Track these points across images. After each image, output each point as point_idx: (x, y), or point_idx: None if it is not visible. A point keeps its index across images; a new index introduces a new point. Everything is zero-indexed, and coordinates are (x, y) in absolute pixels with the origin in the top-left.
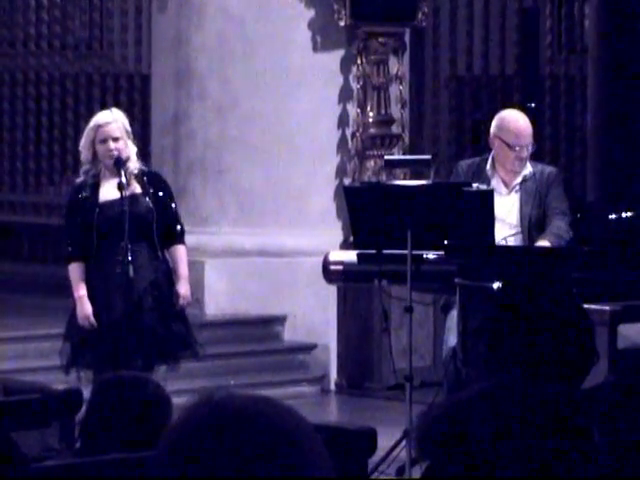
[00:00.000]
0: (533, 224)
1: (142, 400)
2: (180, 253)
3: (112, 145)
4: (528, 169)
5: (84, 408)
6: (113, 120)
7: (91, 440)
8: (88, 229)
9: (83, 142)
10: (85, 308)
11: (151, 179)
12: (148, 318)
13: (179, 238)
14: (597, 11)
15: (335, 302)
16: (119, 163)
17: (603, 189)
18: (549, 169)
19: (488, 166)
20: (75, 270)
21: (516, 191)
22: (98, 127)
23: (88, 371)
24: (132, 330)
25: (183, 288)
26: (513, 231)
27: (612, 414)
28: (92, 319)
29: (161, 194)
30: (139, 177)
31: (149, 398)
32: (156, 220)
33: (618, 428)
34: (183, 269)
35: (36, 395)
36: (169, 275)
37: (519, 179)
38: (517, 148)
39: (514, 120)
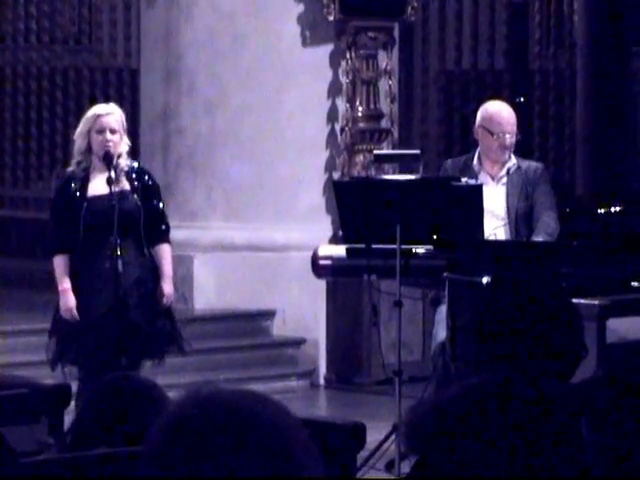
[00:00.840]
0: (520, 216)
1: (140, 402)
2: (165, 252)
3: (109, 136)
4: (512, 161)
5: (74, 408)
6: (113, 112)
7: (84, 433)
8: (75, 222)
9: (79, 131)
10: (69, 301)
11: (140, 176)
12: (133, 315)
13: (164, 236)
14: (586, 6)
15: (324, 297)
16: (108, 158)
17: (592, 184)
18: (535, 165)
19: (475, 161)
20: (60, 262)
21: (502, 183)
22: (97, 117)
23: (73, 367)
24: (117, 326)
25: (167, 287)
26: (500, 223)
27: (601, 409)
28: (75, 312)
29: (149, 191)
30: (128, 173)
31: (146, 399)
32: (143, 217)
33: (607, 423)
34: (167, 268)
35: (24, 390)
36: (154, 272)
37: (503, 171)
38: (500, 135)
39: (497, 109)
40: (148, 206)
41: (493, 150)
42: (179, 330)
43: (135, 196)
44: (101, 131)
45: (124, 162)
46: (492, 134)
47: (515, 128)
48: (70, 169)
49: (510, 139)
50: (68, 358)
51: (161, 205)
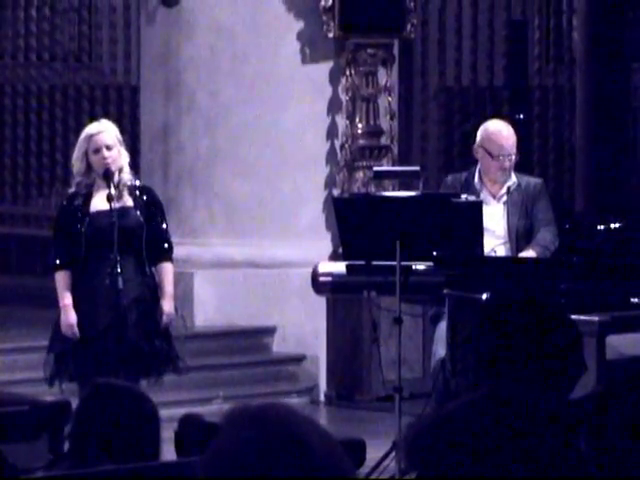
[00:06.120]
0: (521, 235)
1: (128, 409)
2: (167, 270)
3: (106, 153)
4: (512, 180)
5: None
6: (105, 129)
7: (79, 444)
8: (76, 238)
9: (76, 154)
10: (69, 317)
11: (144, 193)
12: (132, 333)
13: (167, 255)
14: (585, 22)
15: (324, 313)
16: (108, 175)
17: (591, 200)
18: (535, 181)
19: (476, 179)
20: (61, 278)
21: (503, 202)
22: (90, 137)
23: (71, 384)
24: (116, 344)
25: (167, 306)
26: (501, 241)
27: (600, 425)
28: (75, 329)
29: (152, 209)
30: (132, 190)
31: (135, 408)
32: (145, 234)
33: (605, 439)
34: (168, 287)
35: (25, 407)
36: (155, 291)
37: (504, 189)
38: (500, 158)
39: (497, 130)
40: (151, 224)
41: (492, 171)
42: (175, 349)
43: (138, 213)
44: (97, 150)
45: (127, 177)
46: (491, 156)
47: (515, 149)
48: (72, 189)
49: (509, 161)
50: (66, 375)
51: (164, 224)
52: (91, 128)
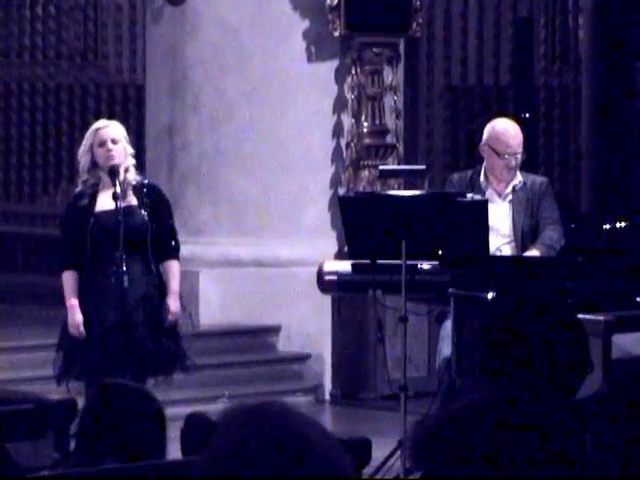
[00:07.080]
0: (526, 233)
1: (134, 408)
2: (173, 269)
3: (111, 146)
4: (518, 179)
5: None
6: (111, 124)
7: (86, 443)
8: (82, 237)
9: (82, 149)
10: (76, 317)
11: (149, 192)
12: (138, 331)
13: (174, 253)
14: (591, 22)
15: (329, 312)
16: (114, 172)
17: (597, 199)
18: (540, 179)
19: (482, 178)
20: (68, 278)
21: (509, 201)
22: (97, 130)
23: (78, 382)
24: (122, 342)
25: (173, 303)
26: (506, 240)
27: (606, 424)
28: (82, 328)
29: (158, 208)
30: (137, 189)
31: (141, 407)
32: (151, 233)
33: (612, 438)
34: (175, 284)
35: (30, 405)
36: (161, 289)
37: (509, 188)
38: (506, 156)
39: (503, 129)
40: (158, 223)
41: (498, 169)
42: (183, 348)
43: (143, 212)
44: (103, 143)
45: (132, 176)
46: (498, 154)
47: (521, 149)
48: (79, 188)
49: (515, 160)
50: (73, 373)
51: (171, 222)
52: (98, 123)
